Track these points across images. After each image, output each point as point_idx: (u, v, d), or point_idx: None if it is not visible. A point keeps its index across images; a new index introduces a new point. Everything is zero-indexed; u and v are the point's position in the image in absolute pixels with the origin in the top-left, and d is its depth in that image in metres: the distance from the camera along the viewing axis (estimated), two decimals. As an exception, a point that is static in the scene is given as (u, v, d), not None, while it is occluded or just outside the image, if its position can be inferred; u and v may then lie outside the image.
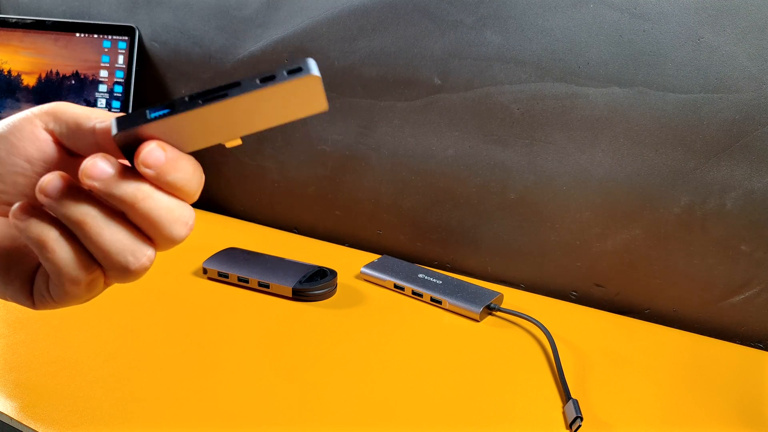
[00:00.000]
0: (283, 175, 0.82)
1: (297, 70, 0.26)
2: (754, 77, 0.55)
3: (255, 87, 0.27)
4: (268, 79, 0.26)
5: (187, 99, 0.27)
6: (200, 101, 0.27)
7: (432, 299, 0.63)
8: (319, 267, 0.65)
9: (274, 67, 0.26)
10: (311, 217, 0.82)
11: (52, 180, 0.27)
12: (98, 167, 0.27)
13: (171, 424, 0.44)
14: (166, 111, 0.27)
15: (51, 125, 0.30)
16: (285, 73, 0.26)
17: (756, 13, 0.54)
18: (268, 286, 0.63)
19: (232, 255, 0.68)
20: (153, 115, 0.27)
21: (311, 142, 0.78)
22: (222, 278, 0.65)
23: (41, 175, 0.29)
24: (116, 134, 0.27)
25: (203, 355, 0.52)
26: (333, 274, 0.65)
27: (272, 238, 0.79)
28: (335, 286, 0.64)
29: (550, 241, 0.67)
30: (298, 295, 0.62)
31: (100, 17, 0.87)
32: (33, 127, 0.30)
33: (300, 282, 0.62)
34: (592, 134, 0.62)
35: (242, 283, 0.64)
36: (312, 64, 0.27)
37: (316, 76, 0.26)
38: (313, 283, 0.62)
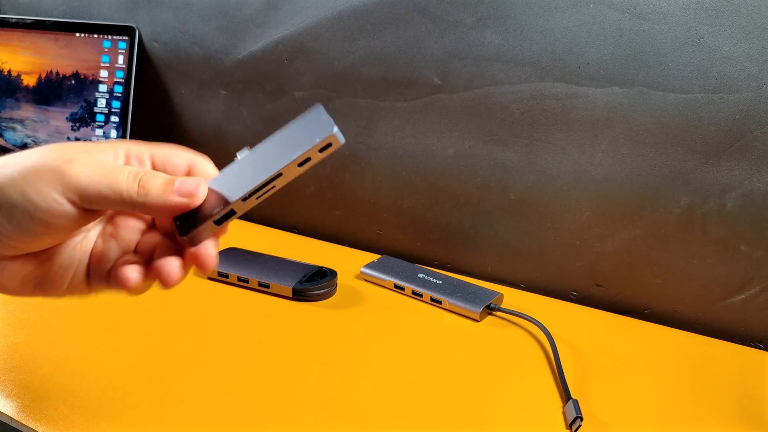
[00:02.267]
0: (283, 175, 0.82)
1: (328, 146, 0.31)
2: (754, 77, 0.55)
3: (296, 172, 0.32)
4: (306, 161, 0.32)
5: (242, 200, 0.32)
6: (256, 199, 0.33)
7: (432, 299, 0.63)
8: (319, 267, 0.65)
9: (306, 147, 0.31)
10: (311, 217, 0.82)
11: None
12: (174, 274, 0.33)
13: (171, 424, 0.44)
14: (230, 215, 0.33)
15: (74, 198, 0.31)
16: (318, 152, 0.31)
17: (756, 13, 0.54)
18: (268, 286, 0.63)
19: (232, 255, 0.68)
20: (218, 221, 0.33)
21: (311, 142, 0.78)
22: (222, 278, 0.65)
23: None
24: (182, 237, 0.33)
25: (203, 355, 0.52)
26: (333, 274, 0.64)
27: (272, 238, 0.79)
28: (335, 286, 0.64)
29: (550, 241, 0.67)
30: (298, 295, 0.62)
31: (100, 17, 0.87)
32: (55, 204, 0.31)
33: (300, 282, 0.62)
34: (592, 134, 0.62)
35: (242, 283, 0.64)
36: (337, 134, 0.31)
37: (342, 143, 0.31)
38: (313, 283, 0.62)
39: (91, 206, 0.32)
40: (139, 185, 0.32)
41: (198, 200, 0.33)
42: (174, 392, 0.47)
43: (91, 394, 0.46)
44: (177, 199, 0.32)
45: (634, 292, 0.65)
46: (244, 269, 0.64)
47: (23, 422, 0.43)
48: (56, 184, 0.31)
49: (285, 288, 0.62)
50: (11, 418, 0.43)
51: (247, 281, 0.63)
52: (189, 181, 0.32)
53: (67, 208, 0.31)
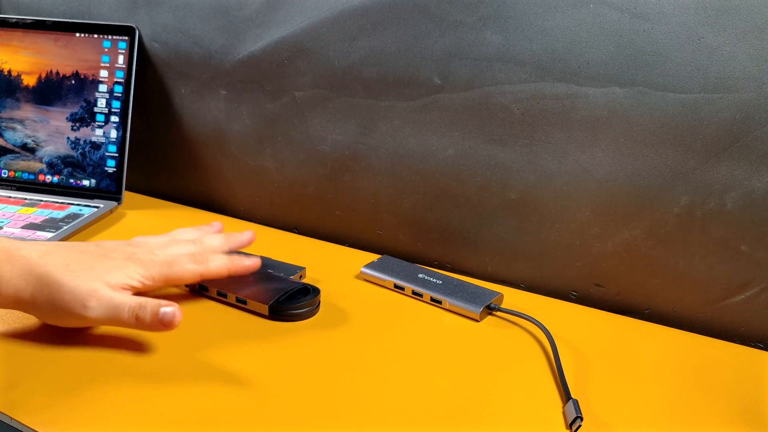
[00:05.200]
0: (283, 175, 0.82)
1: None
2: (754, 77, 0.55)
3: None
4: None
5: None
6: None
7: (432, 299, 0.63)
8: (303, 284, 0.61)
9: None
10: (311, 217, 0.82)
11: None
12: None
13: (167, 425, 0.44)
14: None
15: (89, 324, 0.53)
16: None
17: (756, 13, 0.54)
18: (245, 303, 0.59)
19: None
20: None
21: (311, 142, 0.78)
22: (202, 291, 0.61)
23: None
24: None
25: (203, 362, 0.52)
26: (316, 291, 0.61)
27: (272, 238, 0.79)
28: (317, 305, 0.61)
29: (550, 241, 0.67)
30: (275, 314, 0.58)
31: (100, 17, 0.87)
32: (78, 324, 0.52)
33: (278, 301, 0.58)
34: (592, 134, 0.62)
35: (221, 297, 0.60)
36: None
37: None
38: (292, 302, 0.59)
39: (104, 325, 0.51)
40: (136, 319, 0.49)
41: (174, 327, 0.49)
42: (171, 394, 0.47)
43: (90, 394, 0.46)
44: (160, 327, 0.49)
45: (634, 292, 0.65)
46: (224, 283, 0.60)
47: (23, 422, 0.43)
48: (78, 321, 0.50)
49: (261, 306, 0.58)
50: (11, 418, 0.43)
51: (225, 296, 0.60)
52: (168, 312, 0.48)
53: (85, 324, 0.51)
